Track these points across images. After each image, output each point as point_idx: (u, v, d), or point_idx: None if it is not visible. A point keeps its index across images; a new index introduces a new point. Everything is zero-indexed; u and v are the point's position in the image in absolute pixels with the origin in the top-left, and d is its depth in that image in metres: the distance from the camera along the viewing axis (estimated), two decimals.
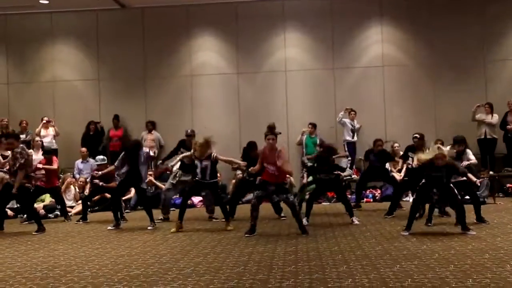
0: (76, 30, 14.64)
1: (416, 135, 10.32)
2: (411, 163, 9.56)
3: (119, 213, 9.48)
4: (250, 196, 10.39)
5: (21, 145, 8.94)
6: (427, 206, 8.33)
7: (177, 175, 9.71)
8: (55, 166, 10.25)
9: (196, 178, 8.60)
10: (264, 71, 14.32)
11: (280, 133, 9.62)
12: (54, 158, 10.55)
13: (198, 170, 8.48)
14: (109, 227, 8.86)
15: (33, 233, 8.50)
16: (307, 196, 9.87)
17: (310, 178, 10.29)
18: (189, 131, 11.20)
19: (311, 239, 7.19)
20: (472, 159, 9.07)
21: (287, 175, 11.49)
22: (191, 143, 9.39)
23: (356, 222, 8.57)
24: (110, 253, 6.52)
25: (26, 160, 8.64)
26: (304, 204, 9.38)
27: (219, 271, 5.33)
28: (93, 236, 8.08)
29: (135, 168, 9.03)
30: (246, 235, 7.57)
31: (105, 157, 10.87)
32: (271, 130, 9.04)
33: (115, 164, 9.41)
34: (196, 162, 8.52)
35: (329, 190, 9.85)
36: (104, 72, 14.65)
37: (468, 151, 9.11)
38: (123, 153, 9.34)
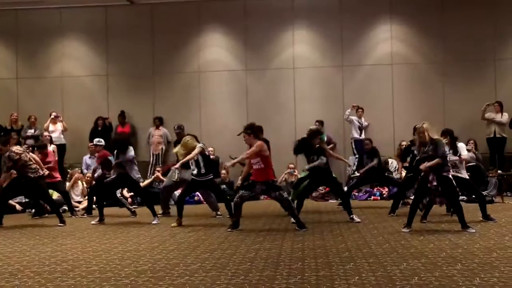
0: (85, 26, 14.69)
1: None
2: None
3: (126, 208, 9.64)
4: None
5: (12, 149, 8.84)
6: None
7: (176, 172, 9.68)
8: (50, 158, 10.30)
9: (192, 177, 8.61)
10: (272, 68, 14.30)
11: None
12: (49, 151, 10.66)
13: (202, 164, 8.49)
14: (93, 222, 8.97)
15: (59, 224, 8.78)
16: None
17: (303, 174, 9.75)
18: (175, 127, 11.04)
19: (318, 236, 7.18)
20: (464, 154, 8.59)
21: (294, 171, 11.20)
22: (181, 137, 9.38)
23: (357, 220, 8.49)
24: (118, 248, 6.55)
25: (18, 160, 8.70)
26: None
27: (226, 267, 5.34)
28: (100, 231, 8.11)
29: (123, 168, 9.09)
30: (228, 230, 7.69)
31: (102, 139, 10.76)
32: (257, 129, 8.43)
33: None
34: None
35: (322, 184, 9.52)
36: (112, 68, 14.69)
37: (461, 145, 8.72)
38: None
